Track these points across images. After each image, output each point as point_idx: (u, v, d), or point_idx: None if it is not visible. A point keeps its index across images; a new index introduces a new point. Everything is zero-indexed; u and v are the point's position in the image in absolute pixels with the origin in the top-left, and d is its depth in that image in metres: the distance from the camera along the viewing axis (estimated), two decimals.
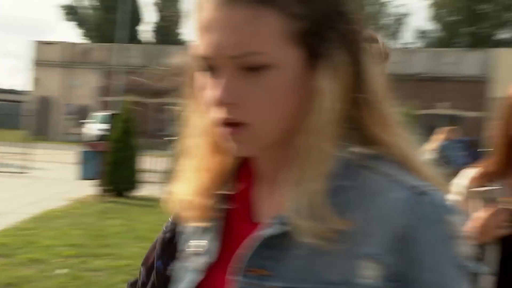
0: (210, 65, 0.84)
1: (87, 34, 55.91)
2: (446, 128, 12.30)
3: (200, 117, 0.92)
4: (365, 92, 0.85)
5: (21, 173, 14.42)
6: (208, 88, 0.84)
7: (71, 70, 35.79)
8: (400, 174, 0.84)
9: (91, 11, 54.77)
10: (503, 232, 1.80)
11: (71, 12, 59.00)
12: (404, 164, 0.86)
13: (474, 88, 29.21)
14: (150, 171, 12.83)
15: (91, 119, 29.86)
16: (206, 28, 0.83)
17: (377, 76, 0.86)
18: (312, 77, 0.83)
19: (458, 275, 0.83)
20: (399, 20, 46.14)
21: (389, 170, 0.85)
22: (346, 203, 0.82)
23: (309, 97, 0.83)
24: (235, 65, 0.82)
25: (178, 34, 58.04)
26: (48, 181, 13.55)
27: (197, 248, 0.95)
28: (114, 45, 36.62)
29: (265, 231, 0.86)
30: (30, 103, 35.39)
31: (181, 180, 0.97)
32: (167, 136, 19.97)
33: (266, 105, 0.83)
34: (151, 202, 10.59)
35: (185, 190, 0.95)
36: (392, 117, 0.88)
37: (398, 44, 45.25)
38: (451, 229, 0.83)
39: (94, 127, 27.93)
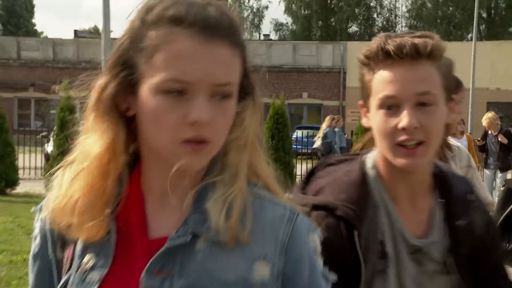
0: (181, 89, 0.92)
1: None
2: (329, 117, 13.58)
3: (95, 141, 1.00)
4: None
5: None
6: (172, 109, 0.93)
7: None
8: (272, 196, 1.05)
9: None
10: None
11: None
12: (268, 188, 1.06)
13: (332, 79, 31.35)
14: (27, 168, 12.67)
15: None
16: (186, 58, 0.92)
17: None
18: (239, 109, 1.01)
19: (323, 279, 1.04)
20: (259, 12, 47.72)
21: (264, 193, 1.04)
22: (243, 215, 0.99)
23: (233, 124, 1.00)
24: (211, 91, 0.93)
25: (22, 24, 55.32)
26: None
27: (90, 262, 1.01)
28: None
29: (171, 240, 0.97)
30: None
31: (65, 197, 1.01)
32: (41, 131, 19.35)
33: (224, 127, 0.97)
34: (34, 198, 10.61)
35: (73, 209, 1.00)
36: (261, 151, 1.06)
37: (258, 36, 46.91)
38: (315, 242, 1.04)
39: None
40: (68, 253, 1.04)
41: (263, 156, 1.05)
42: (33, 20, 57.08)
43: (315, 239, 1.04)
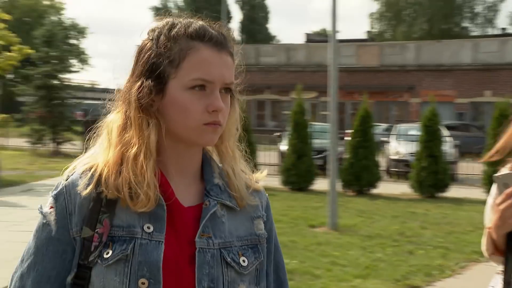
0: (203, 85, 1.21)
1: None
2: None
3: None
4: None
5: None
6: (198, 100, 1.20)
7: None
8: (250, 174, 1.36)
9: (179, 12, 57.09)
10: None
11: (160, 14, 61.87)
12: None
13: None
14: (264, 164, 14.38)
15: None
16: (208, 63, 1.21)
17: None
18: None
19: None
20: (494, 6, 45.28)
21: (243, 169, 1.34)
22: (242, 185, 1.32)
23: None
24: (222, 88, 1.22)
25: (262, 31, 59.64)
26: None
27: (149, 228, 1.20)
28: None
29: (207, 209, 1.24)
30: None
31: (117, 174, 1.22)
32: (274, 131, 21.34)
33: (226, 114, 1.25)
34: (271, 191, 12.15)
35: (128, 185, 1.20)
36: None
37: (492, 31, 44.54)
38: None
39: None
40: (102, 229, 1.19)
41: (235, 141, 1.33)
42: (267, 25, 61.37)
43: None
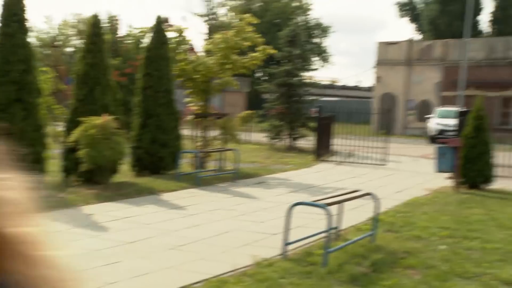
0: None
1: (421, 29, 57.02)
2: None
3: None
4: None
5: (381, 165, 16.39)
6: None
7: (411, 67, 37.36)
8: None
9: (426, 5, 55.39)
10: None
11: (407, 9, 60.83)
12: None
13: None
14: (502, 165, 13.31)
15: (433, 114, 30.80)
16: None
17: None
18: None
19: None
20: None
21: None
22: None
23: None
24: None
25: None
26: (405, 172, 15.16)
27: None
28: (452, 41, 36.97)
29: None
30: (375, 100, 38.17)
31: None
32: None
33: None
34: (507, 195, 11.24)
35: None
36: None
37: None
38: None
39: (436, 122, 28.82)
40: None
41: None
42: None
43: None
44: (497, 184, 12.38)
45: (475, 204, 10.28)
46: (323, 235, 7.19)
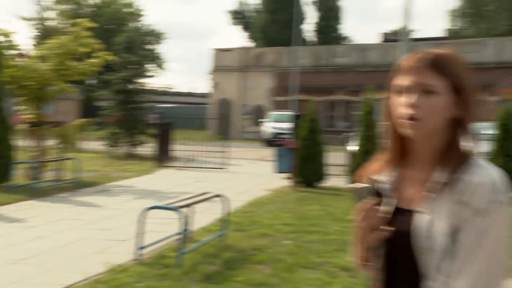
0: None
1: (253, 36, 59.31)
2: None
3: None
4: None
5: (222, 168, 16.80)
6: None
7: (246, 74, 38.71)
8: None
9: (256, 14, 57.63)
10: (377, 236, 1.54)
11: (238, 17, 62.87)
12: None
13: None
14: (333, 164, 14.37)
15: (267, 118, 32.18)
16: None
17: None
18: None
19: None
20: None
21: None
22: None
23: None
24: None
25: (337, 31, 59.24)
26: (246, 175, 15.71)
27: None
28: (283, 48, 39.03)
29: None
30: (212, 105, 38.92)
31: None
32: (344, 132, 21.32)
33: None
34: (338, 191, 12.17)
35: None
36: None
37: None
38: None
39: (270, 126, 30.15)
40: None
41: None
42: (340, 26, 60.97)
43: None
44: (329, 182, 13.36)
45: (312, 201, 11.01)
46: (175, 238, 7.29)
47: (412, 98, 1.53)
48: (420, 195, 1.54)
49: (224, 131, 36.50)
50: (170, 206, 6.47)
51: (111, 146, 22.18)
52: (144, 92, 23.88)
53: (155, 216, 7.56)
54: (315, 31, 57.68)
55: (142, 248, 6.47)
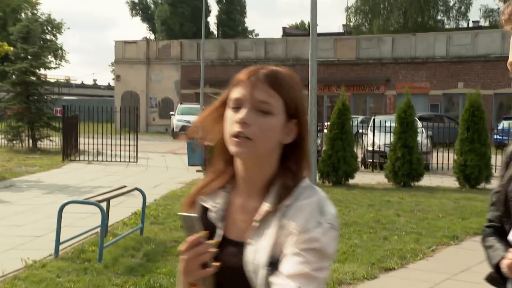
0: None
1: (154, 29, 58.58)
2: None
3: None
4: None
5: (132, 162, 16.63)
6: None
7: (151, 66, 38.23)
8: None
9: (157, 6, 56.87)
10: (203, 273, 1.33)
11: (139, 8, 61.81)
12: None
13: None
14: None
15: (175, 111, 31.98)
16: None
17: None
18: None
19: None
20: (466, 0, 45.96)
21: None
22: None
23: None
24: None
25: (241, 24, 59.84)
26: (157, 168, 15.65)
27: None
28: (188, 41, 38.94)
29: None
30: (117, 98, 38.12)
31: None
32: None
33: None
34: None
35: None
36: None
37: (467, 24, 45.26)
38: None
39: (178, 119, 30.04)
40: None
41: None
42: (243, 20, 61.56)
43: None
44: None
45: None
46: (93, 232, 7.23)
47: (242, 114, 1.38)
48: (249, 225, 1.41)
49: (132, 124, 35.91)
50: (89, 200, 6.42)
51: (11, 140, 21.26)
52: (46, 84, 23.03)
53: (70, 211, 7.44)
54: (219, 24, 57.91)
55: (60, 243, 6.38)
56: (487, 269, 1.95)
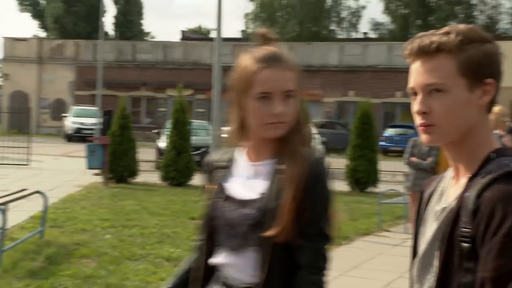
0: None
1: (45, 26, 56.26)
2: None
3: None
4: None
5: (24, 165, 16.04)
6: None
7: (43, 66, 36.86)
8: None
9: (49, 3, 54.62)
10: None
11: (28, 4, 59.10)
12: None
13: None
14: (143, 160, 14.64)
15: (69, 113, 31.05)
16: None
17: None
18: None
19: None
20: (357, 12, 48.29)
21: None
22: None
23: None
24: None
25: (138, 26, 58.96)
26: (52, 171, 15.23)
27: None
28: (84, 41, 37.97)
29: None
30: (5, 98, 36.38)
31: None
32: (151, 128, 21.58)
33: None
34: (151, 187, 12.51)
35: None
36: None
37: (356, 35, 47.53)
38: None
39: (72, 121, 29.22)
40: None
41: None
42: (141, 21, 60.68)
43: None
44: (140, 178, 13.61)
45: (126, 196, 11.19)
46: None
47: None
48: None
49: (21, 125, 34.39)
50: None
51: None
52: None
53: None
54: (114, 24, 56.77)
55: None
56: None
